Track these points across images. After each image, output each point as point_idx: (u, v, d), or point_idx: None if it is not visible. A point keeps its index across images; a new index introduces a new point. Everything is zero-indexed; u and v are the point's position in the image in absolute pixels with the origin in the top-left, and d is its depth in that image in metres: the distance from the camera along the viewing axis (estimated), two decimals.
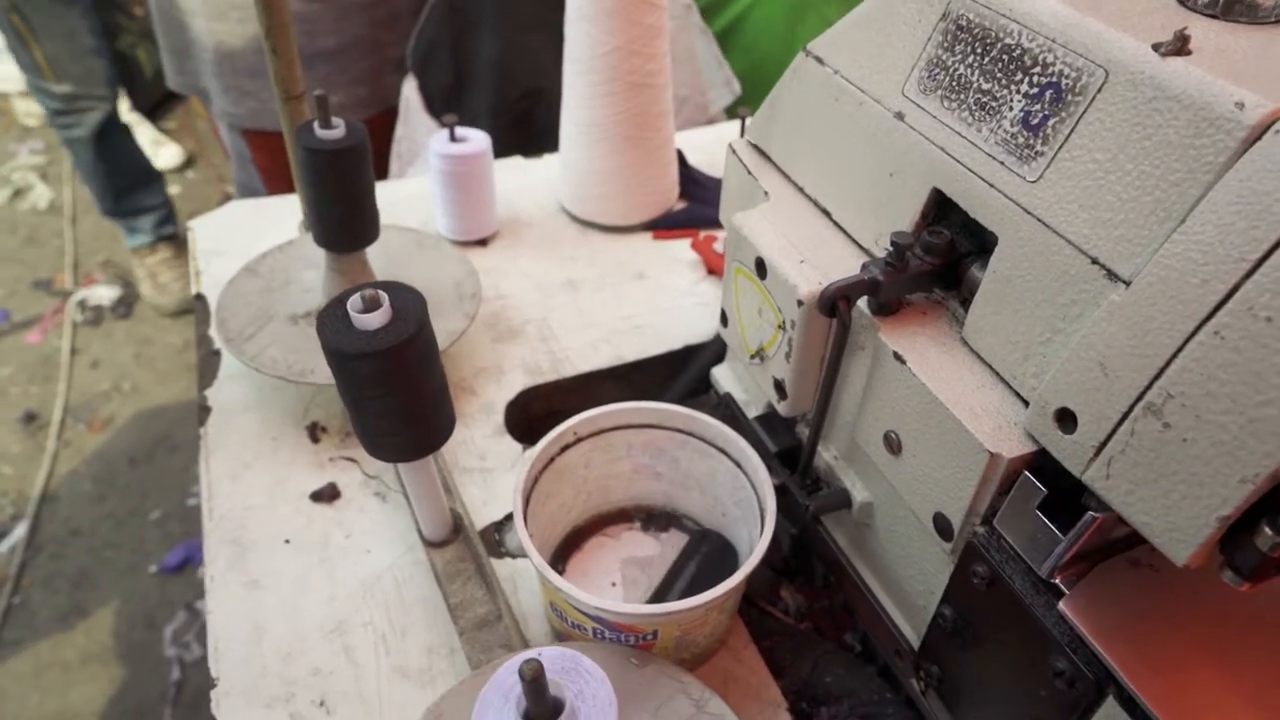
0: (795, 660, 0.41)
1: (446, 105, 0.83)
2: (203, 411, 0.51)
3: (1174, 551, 0.24)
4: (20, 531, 1.54)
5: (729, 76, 0.94)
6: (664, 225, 0.65)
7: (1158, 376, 0.24)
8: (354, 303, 0.32)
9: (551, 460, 0.41)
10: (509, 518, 0.47)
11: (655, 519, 0.46)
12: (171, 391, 1.87)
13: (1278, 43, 0.27)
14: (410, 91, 0.84)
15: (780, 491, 0.39)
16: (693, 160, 0.71)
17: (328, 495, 0.47)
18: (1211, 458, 0.23)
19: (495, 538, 0.46)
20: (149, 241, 1.98)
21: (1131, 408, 0.25)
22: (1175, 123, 0.25)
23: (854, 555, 0.39)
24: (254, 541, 0.45)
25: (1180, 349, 0.23)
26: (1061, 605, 0.27)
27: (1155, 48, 0.26)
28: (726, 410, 0.46)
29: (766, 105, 0.41)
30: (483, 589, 0.41)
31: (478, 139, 0.59)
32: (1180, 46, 0.25)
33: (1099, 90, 0.27)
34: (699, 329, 0.58)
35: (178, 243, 2.01)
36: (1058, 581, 0.28)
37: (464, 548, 0.42)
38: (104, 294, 2.13)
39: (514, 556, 0.45)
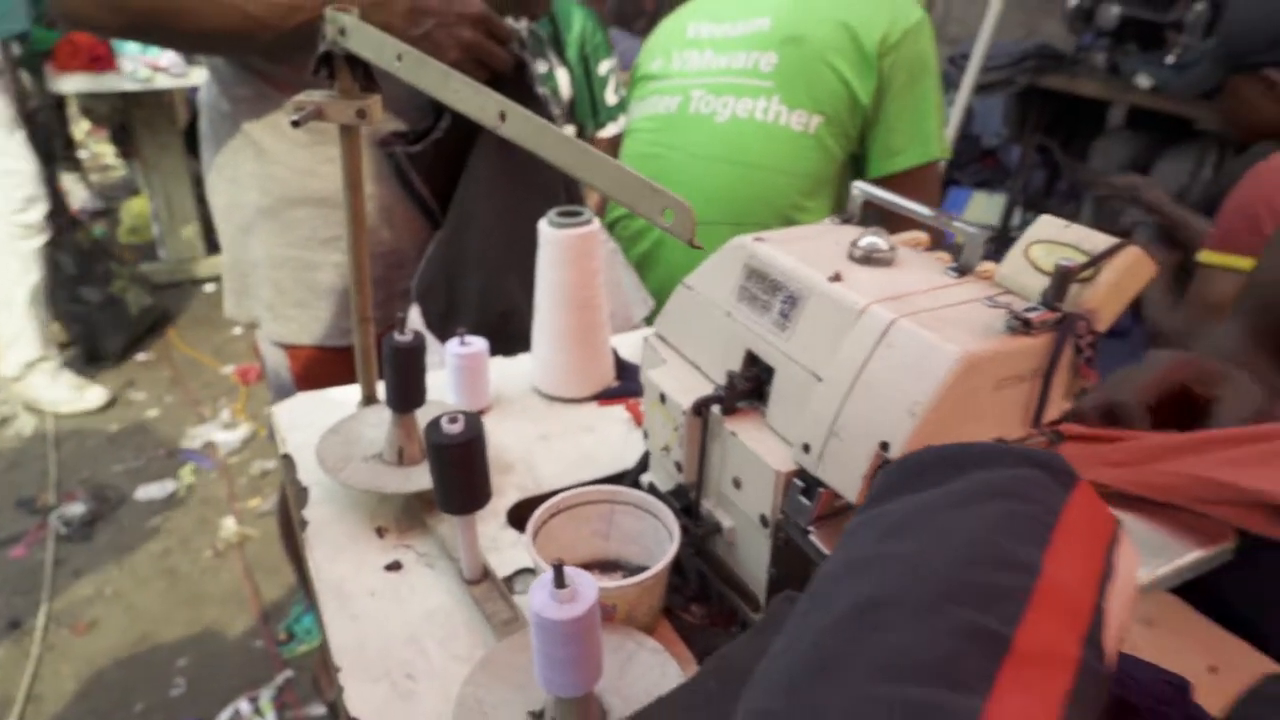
0: (701, 640, 0.66)
1: (443, 324, 1.14)
2: (303, 524, 0.76)
3: (851, 497, 0.52)
4: None
5: (645, 296, 1.28)
6: (605, 396, 0.95)
7: (835, 420, 0.53)
8: (444, 420, 0.60)
9: (543, 524, 0.67)
10: (516, 574, 0.72)
11: (606, 567, 0.71)
12: (154, 592, 2.01)
13: (892, 275, 0.58)
14: (415, 315, 1.15)
15: (684, 531, 0.65)
16: (622, 354, 1.02)
17: (395, 567, 0.72)
18: (856, 451, 0.52)
19: (508, 585, 0.71)
20: None
21: (828, 435, 0.54)
22: (836, 313, 0.55)
23: (729, 560, 0.66)
24: (351, 593, 0.69)
25: (842, 405, 0.53)
26: (812, 538, 0.55)
27: (828, 278, 0.57)
28: (652, 493, 0.73)
29: (664, 311, 0.72)
30: (506, 605, 0.66)
31: (479, 343, 0.89)
32: (837, 277, 0.57)
33: (808, 299, 0.58)
34: (631, 460, 0.85)
35: None
36: (813, 530, 0.55)
37: (491, 584, 0.67)
38: (82, 509, 2.27)
39: (522, 594, 0.70)
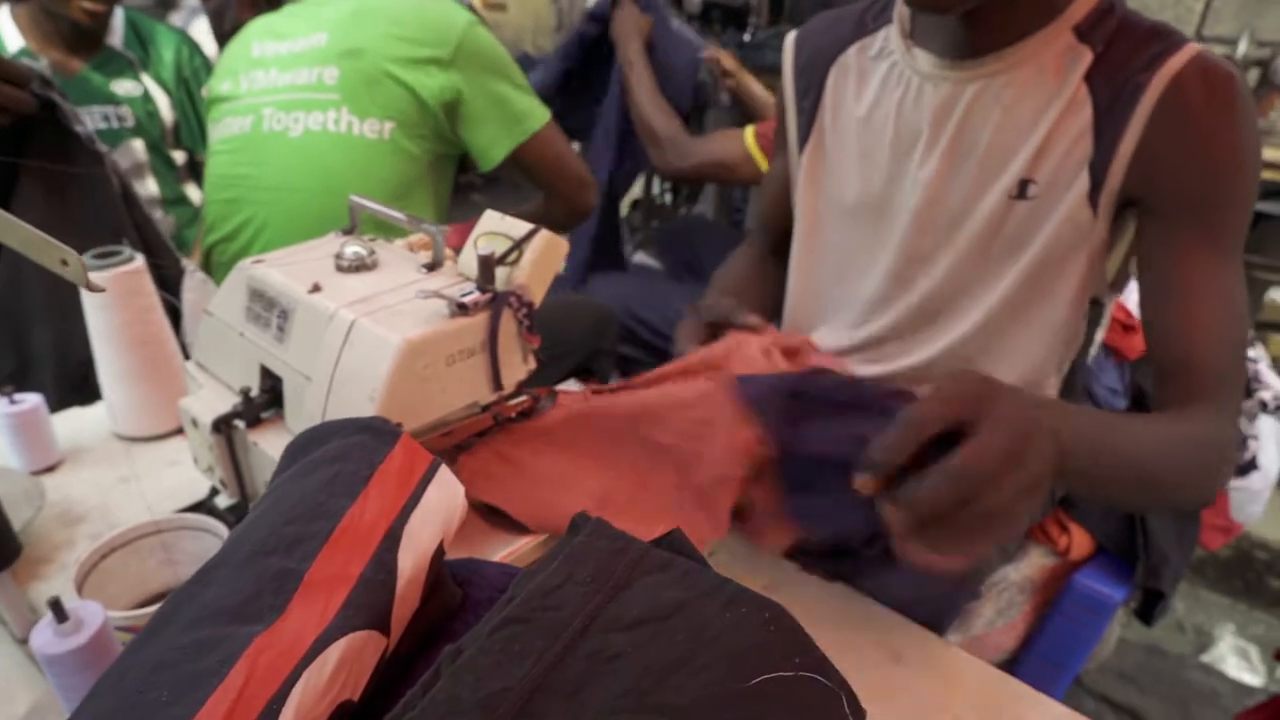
0: None
1: (17, 384, 1.07)
2: None
3: None
4: None
5: None
6: None
7: (323, 414, 0.60)
8: None
9: (94, 566, 0.68)
10: None
11: None
12: None
13: (372, 278, 0.66)
14: None
15: None
16: None
17: None
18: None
19: None
20: None
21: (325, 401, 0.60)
22: (315, 320, 0.62)
23: None
24: None
25: (326, 400, 0.60)
26: None
27: (309, 289, 0.64)
28: (213, 514, 0.76)
29: (197, 340, 0.75)
30: None
31: (32, 399, 0.87)
32: (316, 288, 0.64)
33: (295, 310, 0.64)
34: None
35: None
36: None
37: None
38: None
39: None
